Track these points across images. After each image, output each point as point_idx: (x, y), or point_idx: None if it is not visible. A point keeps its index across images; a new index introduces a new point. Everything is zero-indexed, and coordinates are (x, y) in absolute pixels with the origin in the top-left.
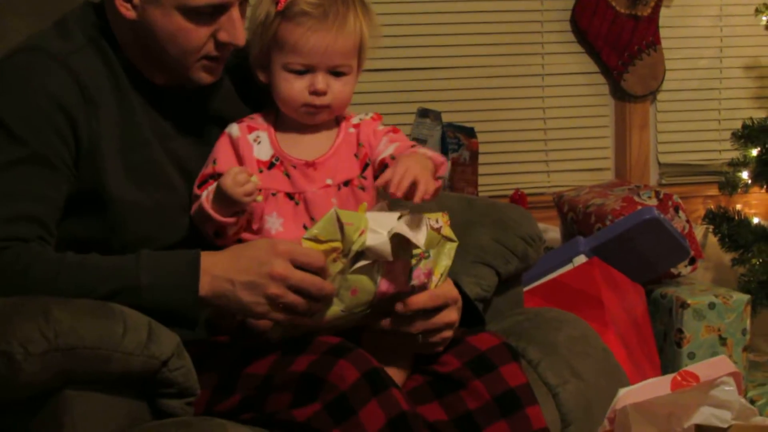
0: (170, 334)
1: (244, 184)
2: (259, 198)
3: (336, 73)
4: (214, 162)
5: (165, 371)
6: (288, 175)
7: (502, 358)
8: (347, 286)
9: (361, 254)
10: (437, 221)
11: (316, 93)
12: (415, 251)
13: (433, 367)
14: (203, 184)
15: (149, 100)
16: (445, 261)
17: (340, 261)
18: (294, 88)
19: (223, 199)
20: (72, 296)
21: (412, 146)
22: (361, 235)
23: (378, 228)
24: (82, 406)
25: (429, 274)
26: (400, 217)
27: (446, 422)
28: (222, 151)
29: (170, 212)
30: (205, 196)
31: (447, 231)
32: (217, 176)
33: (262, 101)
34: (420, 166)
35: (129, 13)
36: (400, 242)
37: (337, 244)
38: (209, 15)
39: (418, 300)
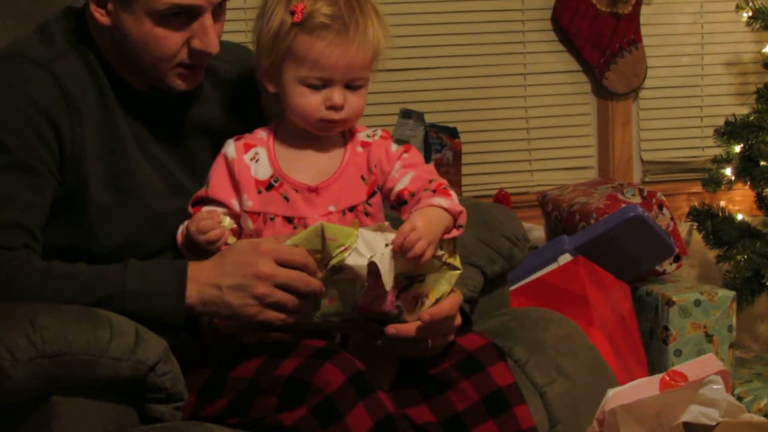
0: (157, 339)
1: (208, 231)
2: (231, 240)
3: (352, 87)
4: (207, 185)
5: (152, 376)
6: (287, 198)
7: (489, 358)
8: (325, 294)
9: (338, 269)
10: (440, 248)
11: (333, 108)
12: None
13: (420, 369)
14: (196, 204)
15: (131, 106)
16: (444, 287)
17: (319, 271)
18: (310, 102)
19: (190, 240)
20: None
21: (429, 180)
22: (342, 251)
23: (364, 249)
24: (70, 412)
25: (419, 297)
26: (389, 245)
27: (434, 424)
28: (216, 173)
29: (152, 218)
30: (181, 230)
31: (449, 258)
32: (207, 201)
33: (247, 108)
34: (428, 226)
35: (103, 19)
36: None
37: (317, 256)
38: (180, 21)
39: (443, 308)
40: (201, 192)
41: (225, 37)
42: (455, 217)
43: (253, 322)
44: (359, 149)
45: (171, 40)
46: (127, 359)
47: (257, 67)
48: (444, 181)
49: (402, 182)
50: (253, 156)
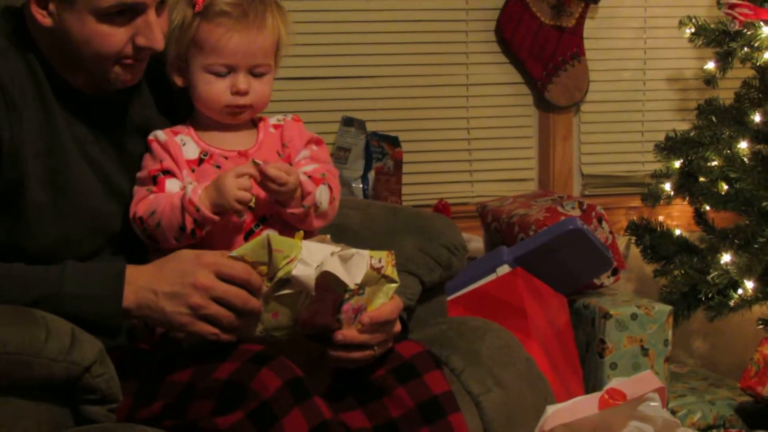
0: (93, 340)
1: (245, 190)
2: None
3: (256, 74)
4: (160, 161)
5: (87, 377)
6: (218, 166)
7: (425, 366)
8: (268, 308)
9: (286, 281)
10: (380, 261)
11: (238, 93)
12: (348, 287)
13: (356, 374)
14: (155, 179)
15: (70, 105)
16: (382, 299)
17: (264, 284)
18: (216, 89)
19: (217, 195)
20: None
21: (324, 172)
22: (289, 263)
23: (309, 259)
24: (4, 412)
25: (358, 310)
26: (335, 252)
27: (369, 429)
28: (159, 153)
29: (88, 218)
30: (192, 189)
31: (389, 271)
32: (166, 171)
33: (177, 108)
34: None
35: (45, 20)
36: (333, 276)
37: (263, 268)
38: (124, 18)
39: (383, 312)
40: (155, 167)
41: None
42: (304, 192)
43: (184, 332)
44: (272, 130)
45: (115, 37)
46: (63, 360)
47: (167, 62)
48: (331, 180)
49: (307, 167)
50: (181, 140)
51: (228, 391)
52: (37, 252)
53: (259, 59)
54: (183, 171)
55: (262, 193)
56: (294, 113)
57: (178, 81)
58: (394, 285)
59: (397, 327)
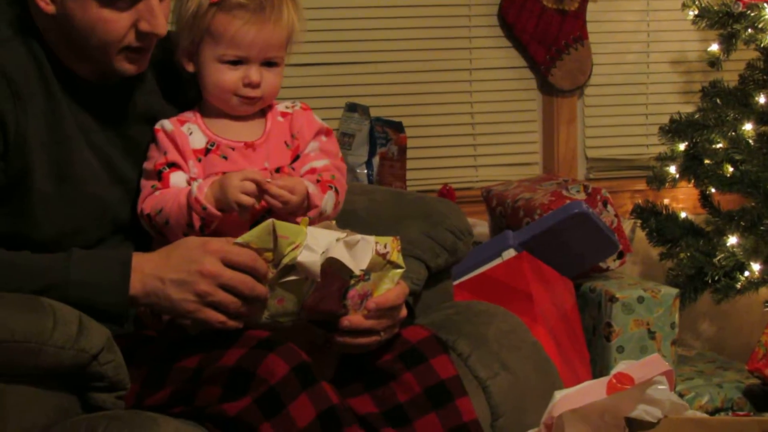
0: (100, 328)
1: (249, 193)
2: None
3: (268, 63)
4: (165, 153)
5: (95, 365)
6: (225, 158)
7: (432, 351)
8: (274, 295)
9: (291, 268)
10: (385, 246)
11: (250, 85)
12: (354, 273)
13: (363, 360)
14: (160, 173)
15: (74, 94)
16: (387, 285)
17: (270, 270)
18: (227, 79)
19: (221, 193)
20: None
21: (333, 173)
22: (294, 249)
23: (314, 246)
24: (13, 399)
25: (364, 296)
26: (341, 238)
27: (377, 414)
28: (165, 144)
29: (94, 207)
30: (198, 187)
31: (395, 257)
32: (171, 164)
33: (184, 97)
34: (303, 198)
35: (48, 7)
36: (338, 262)
37: (268, 254)
38: (125, 2)
39: (389, 297)
40: (160, 160)
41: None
42: (311, 205)
43: (191, 318)
44: (280, 119)
45: (118, 23)
46: (70, 348)
47: (177, 48)
48: (339, 181)
49: (318, 163)
50: (188, 129)
51: (235, 378)
52: (43, 241)
53: (272, 52)
54: (189, 162)
55: (264, 203)
56: (302, 100)
57: (189, 67)
58: (399, 270)
59: (403, 312)
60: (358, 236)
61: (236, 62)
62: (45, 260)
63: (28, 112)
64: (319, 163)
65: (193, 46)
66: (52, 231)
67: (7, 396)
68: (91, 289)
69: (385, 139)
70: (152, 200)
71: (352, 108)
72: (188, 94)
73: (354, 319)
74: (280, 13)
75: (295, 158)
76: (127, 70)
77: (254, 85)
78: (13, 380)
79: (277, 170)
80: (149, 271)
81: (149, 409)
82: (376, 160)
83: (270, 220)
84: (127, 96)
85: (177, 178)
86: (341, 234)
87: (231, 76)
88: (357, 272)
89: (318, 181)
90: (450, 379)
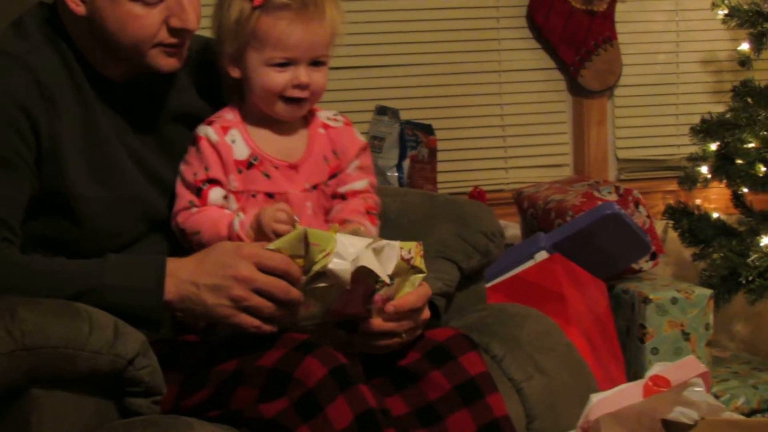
0: (136, 333)
1: (282, 223)
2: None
3: (314, 63)
4: (206, 168)
5: (131, 370)
6: (267, 175)
7: (460, 348)
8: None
9: (321, 274)
10: (410, 251)
11: (299, 86)
12: (381, 279)
13: (390, 361)
14: (200, 190)
15: (107, 97)
16: (408, 289)
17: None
18: (276, 82)
19: (258, 228)
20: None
21: (375, 210)
22: (325, 256)
23: (344, 253)
24: (50, 405)
25: (387, 300)
26: (369, 245)
27: (408, 414)
28: (207, 155)
29: (131, 207)
30: (240, 223)
31: (418, 261)
32: (211, 180)
33: (217, 95)
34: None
35: (79, 8)
36: (367, 269)
37: (299, 261)
38: None
39: (408, 300)
40: (201, 175)
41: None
42: None
43: (226, 323)
44: (321, 130)
45: (148, 18)
46: (106, 353)
47: (220, 56)
48: (377, 203)
49: (358, 184)
50: (231, 138)
51: (272, 379)
52: (84, 244)
53: (320, 51)
54: (230, 175)
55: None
56: (343, 113)
57: (235, 73)
58: (421, 275)
59: (426, 314)
60: (384, 242)
61: (284, 64)
62: (80, 266)
63: (62, 117)
64: (359, 185)
65: (238, 52)
66: (95, 233)
67: (44, 402)
68: (127, 294)
69: (415, 141)
70: (190, 220)
71: (382, 111)
72: (220, 94)
73: (374, 321)
74: (323, 11)
75: (332, 176)
76: (164, 66)
77: (303, 86)
78: (50, 386)
79: (315, 187)
80: (184, 276)
81: (186, 411)
82: (406, 163)
83: (302, 228)
84: (160, 96)
85: (215, 195)
86: (369, 240)
87: (280, 79)
88: (385, 279)
89: (367, 212)
90: (480, 375)
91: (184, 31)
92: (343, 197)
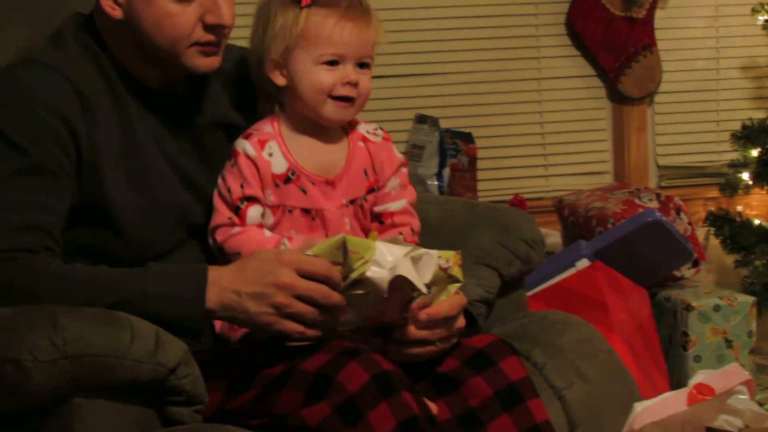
0: (178, 342)
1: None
2: None
3: (361, 64)
4: (242, 186)
5: (173, 379)
6: (304, 191)
7: (499, 353)
8: None
9: (359, 282)
10: (447, 261)
11: (349, 83)
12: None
13: (429, 369)
14: (238, 209)
15: (144, 104)
16: (444, 297)
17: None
18: (327, 81)
19: None
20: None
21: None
22: (363, 264)
23: (382, 261)
24: (92, 414)
25: (423, 308)
26: (408, 253)
27: (451, 420)
28: (246, 171)
29: (170, 215)
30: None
31: (455, 271)
32: (249, 198)
33: (252, 108)
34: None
35: (115, 12)
36: (404, 278)
37: (338, 268)
38: None
39: (441, 309)
40: (237, 193)
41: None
42: None
43: (269, 330)
44: (360, 144)
45: (183, 16)
46: (148, 362)
47: (262, 64)
48: (415, 224)
49: (394, 205)
50: (269, 152)
51: (316, 384)
52: (124, 252)
53: (367, 50)
54: (266, 190)
55: None
56: (382, 127)
57: (279, 80)
58: (457, 284)
59: (461, 322)
60: (422, 250)
61: (333, 62)
62: (122, 274)
63: (100, 125)
64: (394, 206)
65: (284, 56)
66: (135, 241)
67: (86, 410)
68: (169, 303)
69: (455, 150)
70: (231, 240)
71: (421, 120)
72: (258, 106)
73: (408, 329)
74: (369, 13)
75: (370, 190)
76: (201, 66)
77: (353, 83)
78: (92, 395)
79: (353, 201)
80: (225, 284)
81: (231, 413)
82: (446, 171)
83: (341, 235)
84: (196, 103)
85: (253, 214)
86: (408, 248)
87: (329, 77)
88: (423, 289)
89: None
90: (520, 380)
91: (220, 27)
92: (379, 219)
